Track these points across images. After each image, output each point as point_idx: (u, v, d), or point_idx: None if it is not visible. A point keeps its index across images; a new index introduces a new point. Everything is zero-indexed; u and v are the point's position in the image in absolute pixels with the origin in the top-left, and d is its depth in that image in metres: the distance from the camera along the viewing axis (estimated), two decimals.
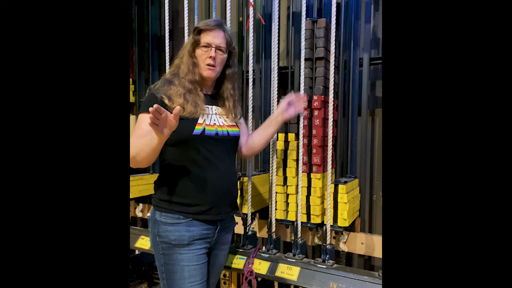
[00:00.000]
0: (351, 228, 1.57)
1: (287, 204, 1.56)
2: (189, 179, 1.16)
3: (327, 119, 1.45)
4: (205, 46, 1.17)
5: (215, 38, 1.17)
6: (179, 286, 1.15)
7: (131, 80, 2.34)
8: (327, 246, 1.42)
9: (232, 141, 1.24)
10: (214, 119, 1.20)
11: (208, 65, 1.17)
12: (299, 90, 1.52)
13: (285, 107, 1.33)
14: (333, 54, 1.42)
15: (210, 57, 1.17)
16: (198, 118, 1.15)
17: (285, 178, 1.56)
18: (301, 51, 1.48)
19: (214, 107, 1.23)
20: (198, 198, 1.15)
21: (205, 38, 1.17)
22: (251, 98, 1.57)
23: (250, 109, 1.56)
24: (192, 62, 1.18)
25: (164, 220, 1.16)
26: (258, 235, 1.72)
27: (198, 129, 1.14)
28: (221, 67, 1.22)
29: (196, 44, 1.18)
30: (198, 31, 1.19)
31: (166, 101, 1.13)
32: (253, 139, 1.37)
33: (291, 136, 1.55)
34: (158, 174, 1.24)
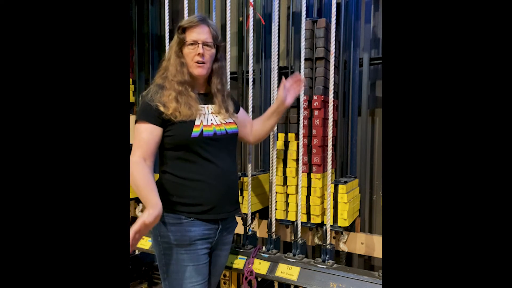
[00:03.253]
0: (351, 228, 1.57)
1: (287, 204, 1.56)
2: (189, 180, 1.15)
3: (327, 119, 1.45)
4: (192, 44, 1.15)
5: (200, 34, 1.15)
6: (181, 286, 1.15)
7: (131, 80, 2.33)
8: (327, 246, 1.42)
9: (231, 139, 1.24)
10: (211, 119, 1.19)
11: (197, 62, 1.15)
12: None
13: (284, 96, 1.31)
14: (333, 54, 1.42)
15: (198, 54, 1.14)
16: (195, 120, 1.14)
17: (285, 178, 1.56)
18: (301, 51, 1.47)
19: (209, 106, 1.22)
20: (200, 198, 1.15)
21: (191, 35, 1.15)
22: (251, 98, 1.57)
23: (250, 109, 1.56)
24: (180, 62, 1.16)
25: (165, 221, 1.15)
26: (258, 235, 1.72)
27: (196, 131, 1.13)
28: (211, 63, 1.20)
29: (182, 43, 1.16)
30: (183, 30, 1.16)
31: (162, 108, 1.12)
32: (257, 129, 1.38)
33: (291, 136, 1.55)
34: (158, 175, 1.24)
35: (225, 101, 1.25)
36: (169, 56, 1.20)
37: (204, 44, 1.16)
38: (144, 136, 1.11)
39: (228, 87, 1.30)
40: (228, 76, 1.33)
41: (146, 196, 1.05)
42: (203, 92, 1.24)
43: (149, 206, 1.02)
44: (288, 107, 1.36)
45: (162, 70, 1.22)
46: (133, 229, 0.96)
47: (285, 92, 1.31)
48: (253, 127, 1.38)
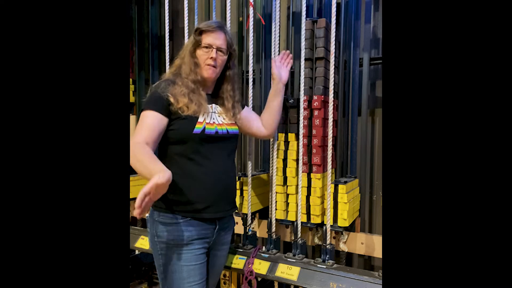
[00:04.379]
0: (351, 228, 1.57)
1: (287, 204, 1.56)
2: (187, 178, 1.16)
3: (327, 119, 1.45)
4: (206, 47, 1.18)
5: (216, 39, 1.18)
6: (178, 286, 1.15)
7: (131, 80, 2.34)
8: (327, 246, 1.42)
9: (232, 139, 1.25)
10: (213, 118, 1.21)
11: (208, 65, 1.18)
12: (299, 90, 1.52)
13: (278, 73, 1.40)
14: (333, 54, 1.42)
15: (211, 58, 1.18)
16: (198, 116, 1.16)
17: (285, 178, 1.56)
18: (301, 51, 1.47)
19: (214, 105, 1.25)
20: (196, 196, 1.16)
21: (206, 39, 1.18)
22: (251, 98, 1.57)
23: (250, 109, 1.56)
24: (194, 62, 1.19)
25: (162, 220, 1.16)
26: (258, 235, 1.72)
27: (198, 127, 1.15)
28: (221, 68, 1.23)
29: (197, 44, 1.19)
30: (200, 32, 1.19)
31: (172, 99, 1.13)
32: (266, 119, 1.41)
33: (291, 136, 1.55)
34: None
35: (235, 107, 1.28)
36: (184, 55, 1.23)
37: (218, 49, 1.19)
38: (149, 122, 1.10)
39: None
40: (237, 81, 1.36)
41: (153, 166, 0.96)
42: (210, 93, 1.27)
43: (157, 172, 0.92)
44: (285, 82, 1.44)
45: (174, 67, 1.25)
46: (143, 191, 0.86)
47: (277, 69, 1.40)
48: (263, 119, 1.41)
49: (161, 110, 1.12)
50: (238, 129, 1.29)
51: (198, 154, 1.16)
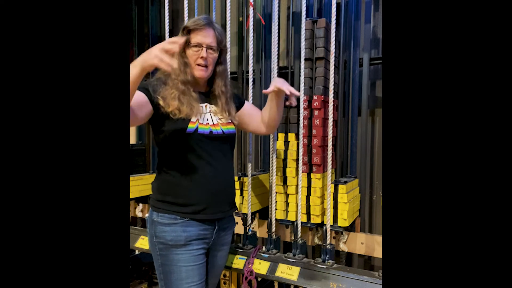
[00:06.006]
0: (351, 228, 1.57)
1: (287, 204, 1.56)
2: (184, 179, 1.15)
3: (327, 119, 1.45)
4: (196, 46, 1.15)
5: (205, 37, 1.15)
6: (177, 287, 1.15)
7: None
8: (327, 246, 1.42)
9: (227, 139, 1.24)
10: (207, 118, 1.19)
11: (199, 65, 1.16)
12: (299, 90, 1.52)
13: (274, 94, 1.24)
14: (333, 54, 1.42)
15: (202, 57, 1.15)
16: (191, 119, 1.14)
17: (285, 178, 1.56)
18: (301, 51, 1.47)
19: (208, 105, 1.22)
20: (193, 198, 1.15)
21: (196, 38, 1.15)
22: (251, 98, 1.57)
23: None
24: (184, 62, 1.16)
25: (161, 221, 1.15)
26: (258, 235, 1.72)
27: (191, 127, 1.13)
28: (213, 66, 1.20)
29: (186, 44, 1.16)
30: (188, 31, 1.16)
31: (161, 102, 1.12)
32: (265, 116, 1.32)
33: (291, 136, 1.55)
34: (154, 175, 1.24)
35: (228, 103, 1.25)
36: None
37: (208, 47, 1.16)
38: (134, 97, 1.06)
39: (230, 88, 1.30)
40: (228, 76, 1.33)
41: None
42: (203, 91, 1.25)
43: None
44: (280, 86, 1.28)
45: None
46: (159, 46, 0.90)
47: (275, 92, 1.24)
48: (262, 116, 1.35)
49: (147, 95, 1.10)
50: (235, 128, 1.27)
51: (193, 154, 1.15)
